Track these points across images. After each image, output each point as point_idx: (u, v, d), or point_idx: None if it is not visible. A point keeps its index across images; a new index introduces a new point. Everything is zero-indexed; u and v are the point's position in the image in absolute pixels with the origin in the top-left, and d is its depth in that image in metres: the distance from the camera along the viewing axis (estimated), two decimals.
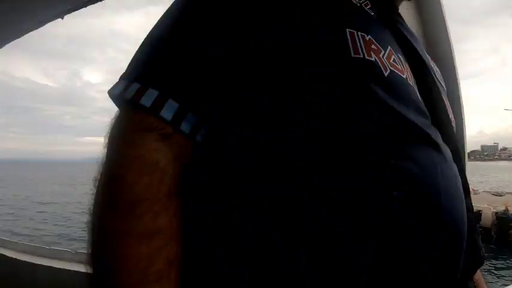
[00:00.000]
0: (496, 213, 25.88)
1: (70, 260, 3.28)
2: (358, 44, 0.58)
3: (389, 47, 0.64)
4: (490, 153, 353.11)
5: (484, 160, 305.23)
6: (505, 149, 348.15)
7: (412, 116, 0.60)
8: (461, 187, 0.68)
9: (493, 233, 25.23)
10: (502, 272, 19.17)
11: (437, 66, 0.91)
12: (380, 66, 0.59)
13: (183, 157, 0.57)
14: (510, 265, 20.99)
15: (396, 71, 0.62)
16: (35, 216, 32.91)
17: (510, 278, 18.80)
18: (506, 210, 25.39)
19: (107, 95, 0.63)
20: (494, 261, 21.51)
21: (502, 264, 20.76)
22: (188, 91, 0.57)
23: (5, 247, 3.75)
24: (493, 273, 19.24)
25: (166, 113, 0.54)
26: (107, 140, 0.58)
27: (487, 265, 20.81)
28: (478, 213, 26.50)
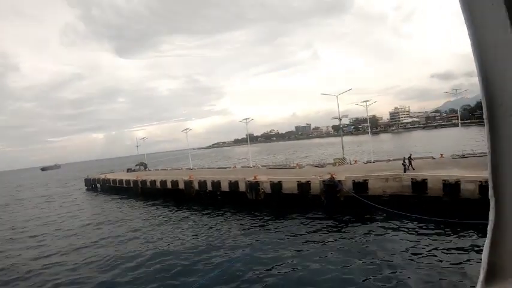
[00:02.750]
0: (323, 181, 30.06)
1: None
2: None
3: None
4: (304, 132, 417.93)
5: (299, 139, 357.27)
6: (317, 128, 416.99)
7: None
8: None
9: (323, 198, 29.49)
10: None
11: None
12: None
13: None
14: (345, 219, 27.13)
15: None
16: None
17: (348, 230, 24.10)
18: (332, 178, 29.81)
19: None
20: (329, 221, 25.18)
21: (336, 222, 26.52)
22: None
23: None
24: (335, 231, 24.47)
25: None
26: None
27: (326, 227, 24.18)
28: (307, 183, 30.29)
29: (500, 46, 1.34)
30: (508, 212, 1.50)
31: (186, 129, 77.60)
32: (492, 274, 1.53)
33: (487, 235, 1.55)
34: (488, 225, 1.54)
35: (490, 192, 1.52)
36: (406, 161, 31.51)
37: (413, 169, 31.16)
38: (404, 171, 30.27)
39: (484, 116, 1.44)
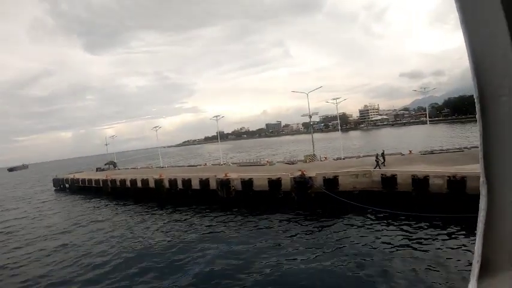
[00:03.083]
0: (294, 178, 30.22)
1: None
2: None
3: None
4: (274, 130, 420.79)
5: (270, 136, 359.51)
6: (287, 125, 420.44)
7: None
8: None
9: (294, 195, 29.61)
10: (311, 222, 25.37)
11: None
12: None
13: None
14: (316, 215, 27.64)
15: None
16: None
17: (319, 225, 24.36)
18: (303, 174, 29.97)
19: None
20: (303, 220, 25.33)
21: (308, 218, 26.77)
22: None
23: None
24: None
25: None
26: None
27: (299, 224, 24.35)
28: (278, 180, 30.44)
29: (491, 24, 1.30)
30: (500, 198, 1.42)
31: (155, 127, 76.45)
32: (486, 267, 1.46)
33: (478, 226, 1.46)
34: (479, 216, 1.46)
35: (482, 179, 1.43)
36: (380, 158, 32.17)
37: (385, 165, 31.82)
38: (376, 167, 30.87)
39: (475, 98, 1.37)
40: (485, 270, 1.45)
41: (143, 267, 20.49)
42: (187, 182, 40.31)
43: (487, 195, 1.42)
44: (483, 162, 1.41)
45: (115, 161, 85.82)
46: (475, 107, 1.38)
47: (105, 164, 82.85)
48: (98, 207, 44.70)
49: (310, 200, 30.26)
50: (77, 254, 24.55)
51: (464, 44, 1.35)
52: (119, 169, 77.50)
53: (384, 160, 32.53)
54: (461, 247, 18.34)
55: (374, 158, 33.47)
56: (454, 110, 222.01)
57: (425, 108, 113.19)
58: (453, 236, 20.03)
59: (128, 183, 49.23)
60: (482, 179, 1.42)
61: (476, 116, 1.38)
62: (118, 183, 51.52)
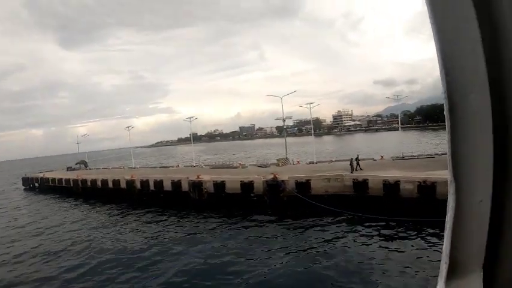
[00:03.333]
0: (267, 181, 30.30)
1: None
2: None
3: None
4: (248, 133, 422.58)
5: (243, 139, 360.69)
6: (261, 129, 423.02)
7: None
8: None
9: (266, 198, 29.64)
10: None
11: None
12: None
13: None
14: (288, 218, 27.84)
15: None
16: None
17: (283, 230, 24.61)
18: (275, 178, 30.06)
19: None
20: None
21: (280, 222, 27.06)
22: None
23: None
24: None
25: None
26: None
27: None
28: (251, 183, 30.43)
29: (460, 20, 1.28)
30: (468, 197, 1.39)
31: (128, 127, 75.47)
32: (453, 268, 1.43)
33: (446, 226, 1.43)
34: (447, 215, 1.42)
35: (450, 177, 1.39)
36: (354, 162, 32.60)
37: (361, 169, 32.42)
38: (352, 172, 31.40)
39: (443, 95, 1.33)
40: (453, 271, 1.43)
41: (112, 269, 20.08)
42: (159, 184, 39.79)
43: (455, 194, 1.39)
44: (451, 161, 1.38)
45: (86, 160, 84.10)
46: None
47: (76, 164, 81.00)
48: (67, 207, 43.76)
49: (283, 203, 30.38)
50: (45, 257, 23.84)
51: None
52: (90, 169, 75.84)
53: (359, 164, 32.99)
54: (430, 249, 18.87)
55: (348, 162, 33.91)
56: (426, 117, 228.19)
57: (398, 115, 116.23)
58: (423, 238, 20.61)
59: (99, 184, 48.30)
60: (450, 178, 1.39)
61: (445, 113, 1.34)
62: (89, 183, 50.42)
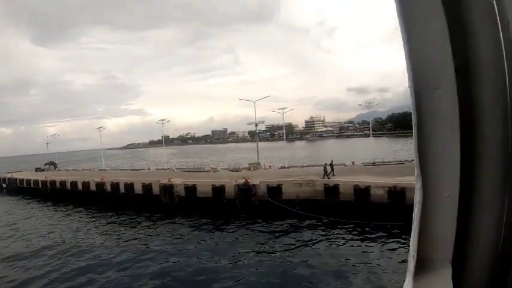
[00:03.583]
0: (238, 185, 30.27)
1: None
2: None
3: None
4: (220, 137, 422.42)
5: (216, 143, 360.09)
6: (233, 133, 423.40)
7: None
8: None
9: (237, 202, 29.58)
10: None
11: None
12: None
13: None
14: (259, 223, 27.70)
15: None
16: None
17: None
18: (246, 182, 30.06)
19: None
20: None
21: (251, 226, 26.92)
22: None
23: None
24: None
25: None
26: None
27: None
28: (222, 187, 30.32)
29: (429, 15, 1.31)
30: (435, 192, 1.42)
31: (99, 128, 73.98)
32: (421, 263, 1.45)
33: (413, 222, 1.45)
34: (414, 211, 1.45)
35: (417, 171, 1.42)
36: (328, 167, 32.85)
37: (333, 175, 32.66)
38: (325, 177, 31.66)
39: (410, 90, 1.35)
40: (421, 267, 1.44)
41: (79, 275, 19.54)
42: (129, 186, 39.14)
43: (422, 189, 1.41)
44: (418, 155, 1.40)
45: (56, 161, 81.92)
46: None
47: (45, 164, 78.60)
48: (35, 209, 42.49)
49: (254, 208, 30.37)
50: (10, 261, 23.06)
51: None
52: (59, 170, 73.60)
53: (332, 170, 33.27)
54: (399, 249, 19.45)
55: (320, 168, 34.21)
56: (397, 124, 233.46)
57: (369, 122, 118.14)
58: (393, 240, 21.22)
59: (68, 186, 47.12)
60: (417, 172, 1.42)
61: (411, 108, 1.36)
62: (58, 184, 49.10)
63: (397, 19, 1.32)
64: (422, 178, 1.41)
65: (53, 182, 50.51)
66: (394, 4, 1.31)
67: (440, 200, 1.41)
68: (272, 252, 20.98)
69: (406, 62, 1.34)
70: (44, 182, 52.35)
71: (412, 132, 1.37)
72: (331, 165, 33.84)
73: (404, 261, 17.83)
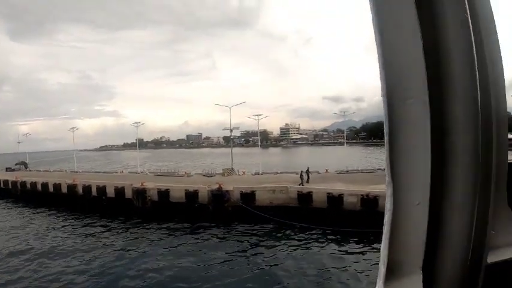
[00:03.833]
0: (211, 191, 30.16)
1: None
2: None
3: None
4: (195, 141, 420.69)
5: (190, 148, 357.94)
6: (208, 138, 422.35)
7: None
8: None
9: (210, 207, 29.45)
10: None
11: None
12: None
13: None
14: (232, 228, 27.83)
15: None
16: None
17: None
18: (220, 188, 29.94)
19: None
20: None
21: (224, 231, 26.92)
22: None
23: None
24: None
25: None
26: None
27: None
28: (195, 192, 30.15)
29: (404, 26, 1.34)
30: (405, 199, 1.42)
31: (72, 128, 72.49)
32: (392, 270, 1.44)
33: (384, 229, 1.44)
34: (386, 217, 1.44)
35: (388, 179, 1.41)
36: (304, 174, 33.11)
37: (308, 182, 33.01)
38: (302, 184, 31.99)
39: (382, 99, 1.36)
40: (391, 273, 1.44)
41: (45, 278, 19.23)
42: (101, 190, 38.42)
43: (393, 196, 1.41)
44: (389, 163, 1.40)
45: (27, 161, 79.98)
46: None
47: (16, 164, 76.42)
48: (4, 210, 41.66)
49: (227, 213, 30.31)
50: None
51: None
52: (30, 170, 71.84)
53: (309, 177, 33.58)
54: (371, 254, 19.94)
55: (294, 174, 34.46)
56: (371, 133, 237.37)
57: (344, 131, 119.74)
58: (364, 246, 21.77)
59: (39, 187, 45.84)
60: (388, 179, 1.41)
61: (383, 116, 1.38)
62: (28, 186, 47.85)
63: (372, 30, 1.35)
64: (393, 185, 1.40)
65: (23, 183, 49.20)
66: (370, 16, 1.34)
67: (411, 207, 1.42)
68: (244, 257, 21.10)
69: (380, 72, 1.36)
70: (14, 183, 50.93)
71: (384, 142, 1.39)
72: (307, 172, 34.17)
73: (376, 265, 18.17)
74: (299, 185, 31.69)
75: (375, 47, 1.36)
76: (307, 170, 34.90)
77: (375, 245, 21.07)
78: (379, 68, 1.36)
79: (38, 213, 38.50)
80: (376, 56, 1.36)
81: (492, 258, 1.56)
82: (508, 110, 1.55)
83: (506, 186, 1.61)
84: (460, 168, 1.43)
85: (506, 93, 1.55)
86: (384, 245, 1.45)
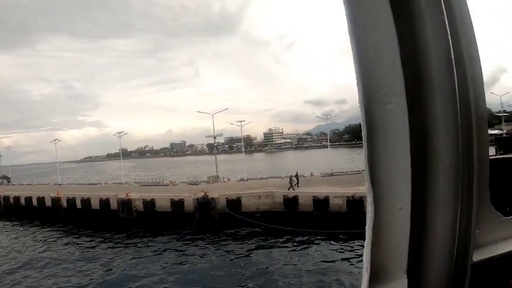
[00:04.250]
0: (197, 199, 30.09)
1: None
2: None
3: None
4: (178, 150, 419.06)
5: (174, 156, 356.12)
6: (192, 146, 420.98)
7: None
8: None
9: (197, 216, 29.31)
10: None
11: None
12: None
13: None
14: (220, 236, 27.79)
15: None
16: None
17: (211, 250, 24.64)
18: (206, 196, 29.88)
19: None
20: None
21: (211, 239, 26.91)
22: None
23: None
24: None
25: None
26: None
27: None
28: (181, 201, 29.99)
29: (380, 33, 1.33)
30: (386, 205, 1.42)
31: (55, 140, 71.45)
32: (375, 275, 1.43)
33: (367, 234, 1.44)
34: (367, 224, 1.44)
35: (368, 185, 1.40)
36: (294, 179, 33.28)
37: (298, 186, 33.23)
38: (292, 189, 32.21)
39: (360, 104, 1.37)
40: (374, 279, 1.43)
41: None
42: (86, 201, 37.73)
43: (373, 202, 1.41)
44: (368, 169, 1.40)
45: (9, 175, 78.60)
46: None
47: None
48: None
49: (214, 221, 30.19)
50: None
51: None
52: (13, 184, 70.64)
53: (298, 181, 33.71)
54: (358, 257, 19.98)
55: (279, 179, 34.55)
56: (354, 135, 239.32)
57: (327, 134, 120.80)
58: (351, 247, 21.95)
59: (23, 201, 44.76)
60: (368, 185, 1.41)
61: (361, 122, 1.38)
62: (11, 200, 46.62)
63: (348, 38, 1.35)
64: (373, 191, 1.40)
65: (6, 198, 48.05)
66: (346, 24, 1.34)
67: (393, 213, 1.42)
68: (233, 264, 21.08)
69: (356, 79, 1.35)
70: None
71: None
72: (296, 176, 34.31)
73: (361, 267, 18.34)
74: (288, 189, 31.84)
75: (351, 53, 1.36)
76: (296, 174, 35.02)
77: (361, 247, 21.26)
78: (356, 74, 1.35)
79: (22, 227, 37.75)
80: (353, 62, 1.35)
81: (477, 256, 1.58)
82: (488, 106, 1.58)
83: (488, 184, 1.63)
84: (442, 169, 1.45)
85: (485, 90, 1.57)
86: (366, 251, 1.44)
